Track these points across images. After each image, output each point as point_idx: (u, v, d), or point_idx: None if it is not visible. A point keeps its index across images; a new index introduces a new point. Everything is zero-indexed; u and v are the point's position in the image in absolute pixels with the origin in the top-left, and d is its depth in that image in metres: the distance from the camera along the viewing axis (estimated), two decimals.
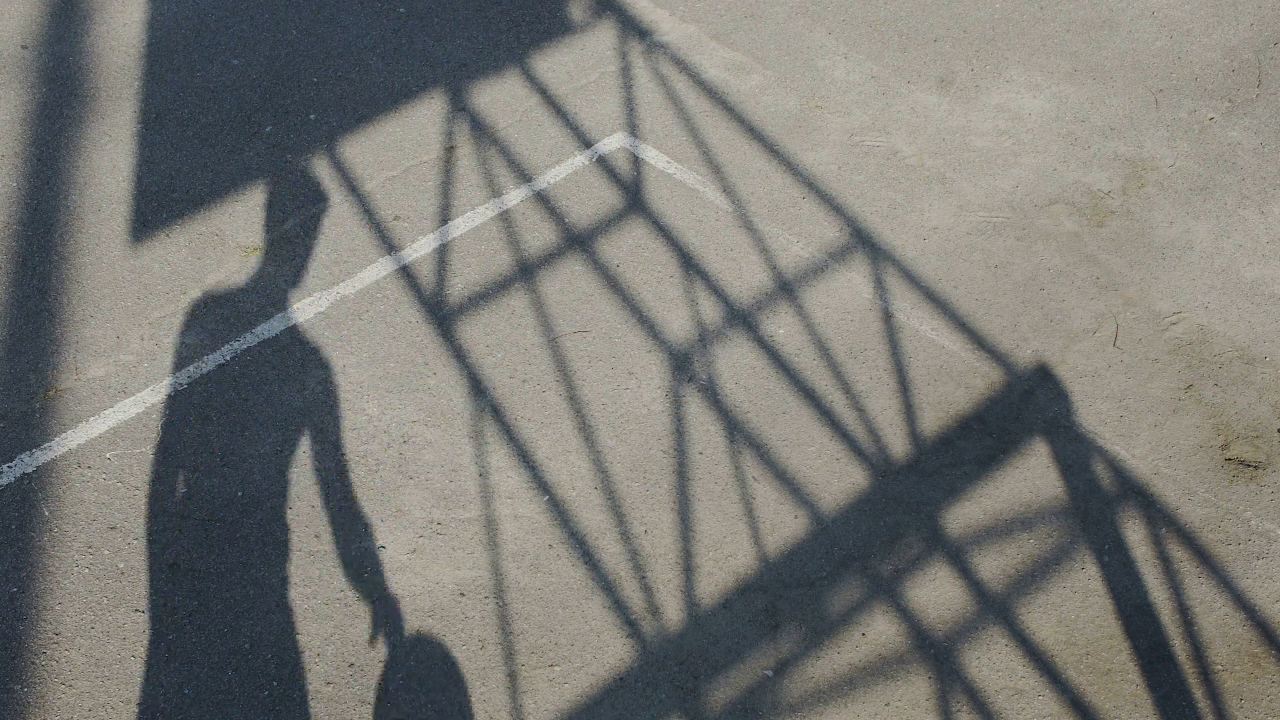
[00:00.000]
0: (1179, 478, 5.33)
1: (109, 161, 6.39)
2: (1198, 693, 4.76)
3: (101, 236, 6.07)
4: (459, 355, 5.67)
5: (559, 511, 5.19)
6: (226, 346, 5.66)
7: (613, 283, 5.96)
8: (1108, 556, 5.10)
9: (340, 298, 5.86)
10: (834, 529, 5.16)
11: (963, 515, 5.20)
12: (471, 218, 6.19)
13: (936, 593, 4.99)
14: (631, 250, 6.08)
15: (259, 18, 7.13)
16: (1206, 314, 5.87)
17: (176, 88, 6.75)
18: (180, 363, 5.60)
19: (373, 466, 5.29)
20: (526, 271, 5.99)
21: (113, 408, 5.43)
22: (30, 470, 5.23)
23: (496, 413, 5.49)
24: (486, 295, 5.90)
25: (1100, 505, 5.24)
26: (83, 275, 5.92)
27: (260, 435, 5.38)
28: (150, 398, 5.47)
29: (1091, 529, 5.17)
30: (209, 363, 5.61)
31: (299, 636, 4.82)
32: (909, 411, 5.53)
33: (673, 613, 4.93)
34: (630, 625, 4.89)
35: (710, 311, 5.86)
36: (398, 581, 4.97)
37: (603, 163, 6.45)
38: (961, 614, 4.94)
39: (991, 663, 4.82)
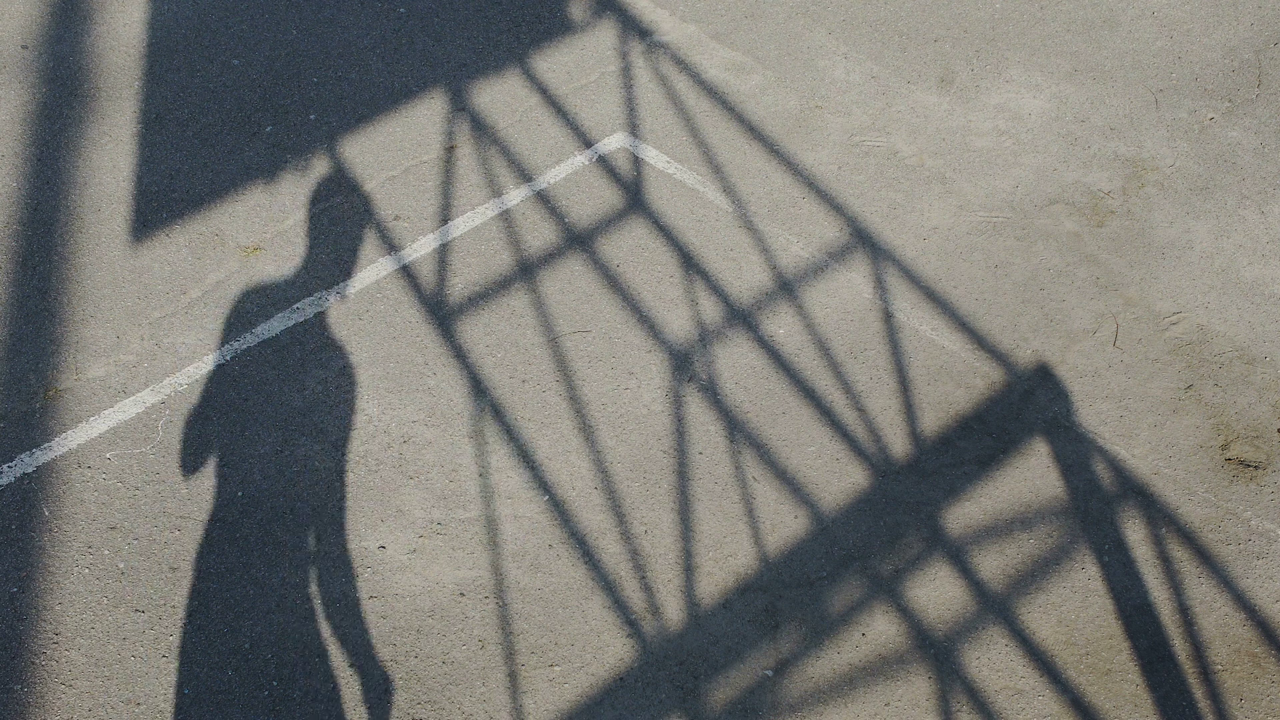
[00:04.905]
0: (1179, 478, 5.33)
1: (109, 161, 6.39)
2: (1198, 693, 4.76)
3: (101, 236, 6.07)
4: (459, 355, 5.67)
5: (559, 511, 5.20)
6: (226, 346, 5.67)
7: (613, 283, 5.96)
8: (1108, 556, 5.10)
9: (340, 298, 5.86)
10: (834, 529, 5.16)
11: (963, 515, 5.20)
12: (471, 218, 6.19)
13: (936, 592, 4.99)
14: (631, 250, 6.08)
15: (259, 18, 7.14)
16: (1206, 314, 5.87)
17: (176, 88, 6.76)
18: (180, 363, 5.60)
19: (373, 466, 5.29)
20: (527, 271, 5.99)
21: (113, 408, 5.43)
22: (30, 470, 5.23)
23: (496, 413, 5.49)
24: (486, 295, 5.90)
25: (1100, 505, 5.24)
26: (83, 275, 5.92)
27: (260, 435, 5.38)
28: (150, 398, 5.48)
29: (1091, 529, 5.17)
30: (209, 363, 5.61)
31: (299, 636, 4.82)
32: (909, 411, 5.53)
33: (673, 613, 4.93)
34: (630, 625, 4.89)
35: (710, 311, 5.86)
36: (398, 581, 4.97)
37: (603, 163, 6.45)
38: (961, 614, 4.94)
39: (991, 663, 4.82)
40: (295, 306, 5.82)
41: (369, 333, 5.73)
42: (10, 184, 6.26)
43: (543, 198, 6.28)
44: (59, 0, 7.19)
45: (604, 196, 6.30)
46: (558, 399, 5.54)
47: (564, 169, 6.40)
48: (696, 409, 5.52)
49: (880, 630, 4.89)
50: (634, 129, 6.59)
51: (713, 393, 5.57)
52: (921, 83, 6.86)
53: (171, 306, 5.80)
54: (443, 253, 6.05)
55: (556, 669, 4.79)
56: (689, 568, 5.05)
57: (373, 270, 5.96)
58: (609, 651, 4.83)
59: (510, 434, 5.42)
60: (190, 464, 5.28)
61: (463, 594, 4.96)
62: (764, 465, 5.35)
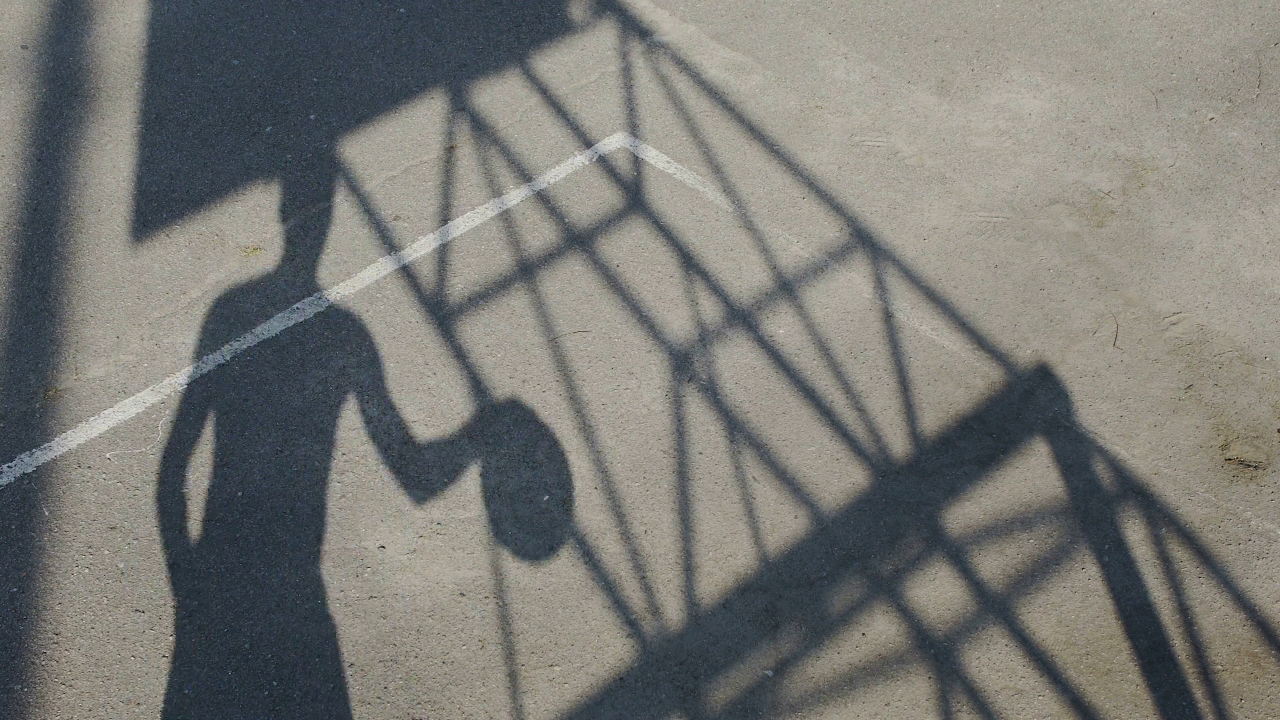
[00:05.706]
0: (1179, 478, 5.33)
1: (109, 161, 6.39)
2: (1198, 693, 4.76)
3: (101, 236, 6.07)
4: (459, 355, 5.67)
5: (559, 511, 5.20)
6: (226, 346, 5.67)
7: (613, 283, 5.96)
8: (1108, 556, 5.10)
9: (340, 298, 5.86)
10: (834, 529, 5.16)
11: (963, 515, 5.20)
12: (472, 218, 6.19)
13: (936, 592, 4.99)
14: (631, 250, 6.08)
15: (259, 18, 7.14)
16: (1206, 314, 5.88)
17: (176, 88, 6.76)
18: (180, 363, 5.60)
19: (373, 466, 5.29)
20: (527, 271, 6.00)
21: (113, 408, 5.43)
22: (30, 470, 5.23)
23: (496, 413, 5.49)
24: (486, 295, 5.90)
25: (1100, 505, 5.24)
26: (83, 275, 5.92)
27: (260, 435, 5.38)
28: (150, 398, 5.48)
29: (1091, 529, 5.17)
30: (209, 363, 5.61)
31: (299, 636, 4.82)
32: (909, 411, 5.53)
33: (673, 613, 4.93)
34: (630, 625, 4.89)
35: (710, 311, 5.86)
36: (398, 581, 4.97)
37: (603, 163, 6.45)
38: (961, 614, 4.94)
39: (991, 663, 4.82)
40: (295, 306, 5.82)
41: (369, 333, 5.73)
42: (10, 184, 6.27)
43: (543, 198, 6.28)
44: (59, 0, 7.19)
45: (604, 196, 6.29)
46: (558, 399, 5.54)
47: (564, 169, 6.40)
48: (696, 409, 5.52)
49: (880, 630, 4.89)
50: (634, 129, 6.59)
51: (713, 393, 5.57)
52: (921, 83, 6.86)
53: (171, 306, 5.80)
54: (443, 253, 6.05)
55: (556, 669, 4.79)
56: (689, 568, 5.06)
57: (373, 270, 5.96)
58: (609, 651, 4.83)
59: (510, 434, 5.42)
60: (190, 464, 5.28)
61: (463, 594, 4.96)
62: (764, 465, 5.35)
